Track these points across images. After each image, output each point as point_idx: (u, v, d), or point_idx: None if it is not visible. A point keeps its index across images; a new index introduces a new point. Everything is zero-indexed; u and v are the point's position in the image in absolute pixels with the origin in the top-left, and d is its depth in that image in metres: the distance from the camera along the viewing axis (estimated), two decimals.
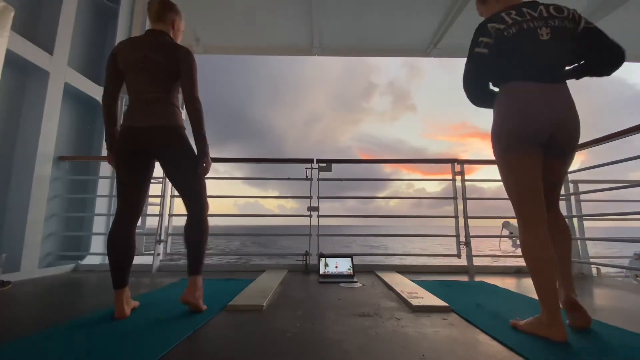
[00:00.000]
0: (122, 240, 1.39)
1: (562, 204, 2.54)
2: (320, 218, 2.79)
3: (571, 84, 1.29)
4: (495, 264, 2.80)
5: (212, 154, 1.55)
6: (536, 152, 1.20)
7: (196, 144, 1.46)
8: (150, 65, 1.42)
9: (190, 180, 1.48)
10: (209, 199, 1.57)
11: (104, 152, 3.13)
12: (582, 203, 2.70)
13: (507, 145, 1.22)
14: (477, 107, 1.38)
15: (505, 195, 1.31)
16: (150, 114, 1.41)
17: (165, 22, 1.54)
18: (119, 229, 1.40)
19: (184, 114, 1.52)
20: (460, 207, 2.81)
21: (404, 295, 1.67)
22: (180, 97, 1.51)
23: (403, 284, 1.99)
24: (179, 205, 2.85)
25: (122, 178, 1.44)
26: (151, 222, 2.89)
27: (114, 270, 1.37)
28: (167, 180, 2.83)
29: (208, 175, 1.59)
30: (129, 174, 1.44)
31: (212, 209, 1.59)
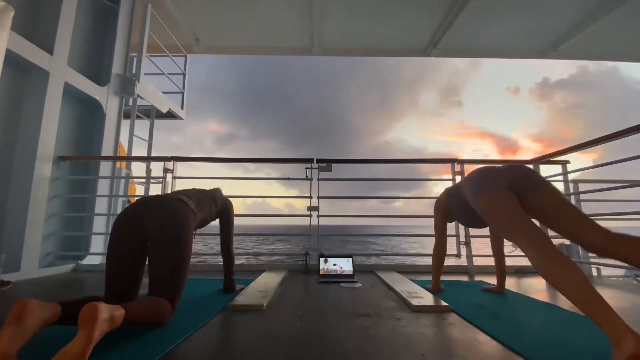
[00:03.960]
0: None
1: None
2: (324, 218, 2.80)
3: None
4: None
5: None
6: (505, 187, 1.28)
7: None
8: None
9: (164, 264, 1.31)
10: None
11: (104, 152, 3.17)
12: (582, 203, 2.70)
13: (480, 189, 1.34)
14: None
15: None
16: None
17: None
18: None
19: None
20: None
21: (404, 295, 1.67)
22: None
23: (403, 284, 1.99)
24: None
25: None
26: None
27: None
28: (167, 180, 2.83)
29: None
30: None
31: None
